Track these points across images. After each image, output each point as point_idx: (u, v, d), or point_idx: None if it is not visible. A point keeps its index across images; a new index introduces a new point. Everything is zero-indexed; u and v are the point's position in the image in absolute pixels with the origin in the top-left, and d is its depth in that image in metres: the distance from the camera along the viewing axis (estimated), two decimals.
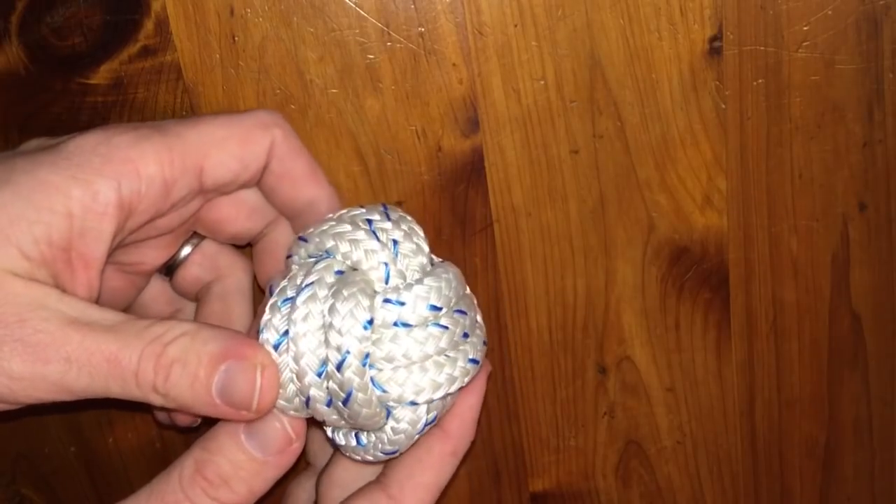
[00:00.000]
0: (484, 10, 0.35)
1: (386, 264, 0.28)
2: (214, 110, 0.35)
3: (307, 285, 0.28)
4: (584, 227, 0.38)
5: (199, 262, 0.34)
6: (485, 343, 0.30)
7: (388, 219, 0.29)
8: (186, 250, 0.33)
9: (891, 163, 0.38)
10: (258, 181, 0.31)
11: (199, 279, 0.34)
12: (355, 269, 0.28)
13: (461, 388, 0.29)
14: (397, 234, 0.29)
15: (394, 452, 0.29)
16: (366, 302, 0.27)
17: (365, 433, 0.29)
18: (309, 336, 0.27)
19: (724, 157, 0.37)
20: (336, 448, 0.31)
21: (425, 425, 0.29)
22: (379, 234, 0.28)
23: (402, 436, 0.29)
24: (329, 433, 0.30)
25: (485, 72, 0.35)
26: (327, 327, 0.27)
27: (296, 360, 0.27)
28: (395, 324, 0.28)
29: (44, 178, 0.26)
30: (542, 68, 0.36)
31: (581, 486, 0.43)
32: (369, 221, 0.29)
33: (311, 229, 0.29)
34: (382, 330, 0.28)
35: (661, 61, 0.36)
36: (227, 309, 0.34)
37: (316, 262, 0.28)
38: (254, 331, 0.29)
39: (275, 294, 0.28)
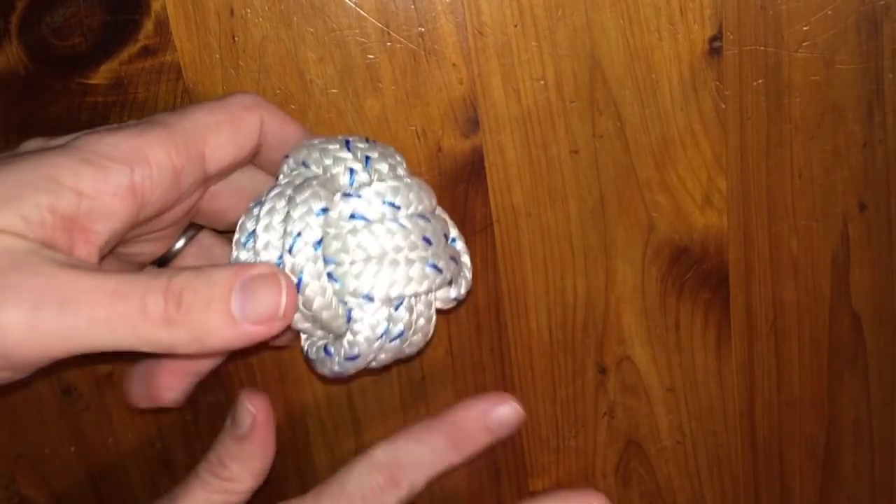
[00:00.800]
0: (484, 10, 0.35)
1: (352, 170, 0.29)
2: None
3: (276, 185, 0.29)
4: (584, 227, 0.38)
5: (195, 253, 0.34)
6: (454, 262, 0.31)
7: (367, 142, 0.30)
8: (181, 242, 0.34)
9: (891, 163, 0.38)
10: (253, 158, 0.32)
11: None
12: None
13: (425, 296, 0.30)
14: (373, 153, 0.30)
15: (355, 357, 0.29)
16: (323, 193, 0.28)
17: (333, 343, 0.30)
18: (270, 229, 0.28)
19: (724, 157, 0.37)
20: (309, 364, 0.31)
21: (385, 333, 0.29)
22: (353, 148, 0.30)
23: (362, 338, 0.29)
24: (303, 345, 0.31)
25: (485, 72, 0.35)
26: (286, 219, 0.28)
27: (257, 253, 0.28)
28: (352, 216, 0.28)
29: (54, 160, 0.25)
30: (542, 68, 0.36)
31: (581, 486, 0.43)
32: (348, 140, 0.30)
33: (296, 148, 0.31)
34: (341, 223, 0.28)
35: (661, 61, 0.36)
36: None
37: (292, 172, 0.30)
38: None
39: (252, 202, 0.29)
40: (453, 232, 0.33)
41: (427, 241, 0.29)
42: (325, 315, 0.28)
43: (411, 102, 0.36)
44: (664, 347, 0.40)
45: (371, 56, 0.35)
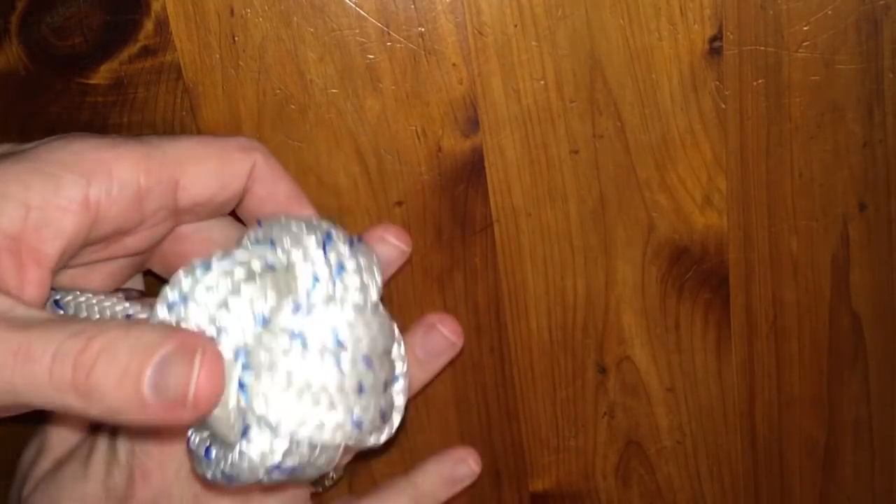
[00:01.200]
0: (484, 10, 0.35)
1: (317, 278, 0.25)
2: (214, 110, 0.35)
3: (229, 255, 0.25)
4: (584, 227, 0.38)
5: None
6: (382, 415, 0.27)
7: (352, 244, 0.27)
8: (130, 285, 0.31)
9: (891, 163, 0.38)
10: (237, 205, 0.30)
11: None
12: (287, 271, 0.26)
13: (329, 458, 0.26)
14: (349, 263, 0.26)
15: (231, 479, 0.25)
16: (272, 296, 0.25)
17: (215, 447, 0.26)
18: (202, 306, 0.24)
19: (724, 157, 0.37)
20: (189, 454, 0.27)
21: (276, 465, 0.25)
22: (330, 249, 0.26)
23: (246, 464, 0.25)
24: (189, 434, 0.27)
25: (485, 72, 0.35)
26: (222, 306, 0.24)
27: (179, 320, 0.24)
28: (293, 334, 0.25)
29: (5, 170, 0.24)
30: (542, 68, 0.36)
31: (581, 486, 0.43)
32: (330, 233, 0.27)
33: (271, 219, 0.27)
34: (278, 335, 0.24)
35: (661, 61, 0.36)
36: None
37: (253, 245, 0.27)
38: None
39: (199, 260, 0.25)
40: (399, 367, 0.29)
41: (361, 389, 0.25)
42: (217, 424, 0.25)
43: (411, 102, 0.36)
44: (664, 347, 0.40)
45: (371, 56, 0.35)
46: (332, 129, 0.36)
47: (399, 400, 0.29)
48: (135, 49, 0.34)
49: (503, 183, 0.37)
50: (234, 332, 0.24)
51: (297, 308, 0.25)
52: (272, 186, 0.29)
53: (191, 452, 0.26)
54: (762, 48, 0.36)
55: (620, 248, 0.38)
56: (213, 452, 0.25)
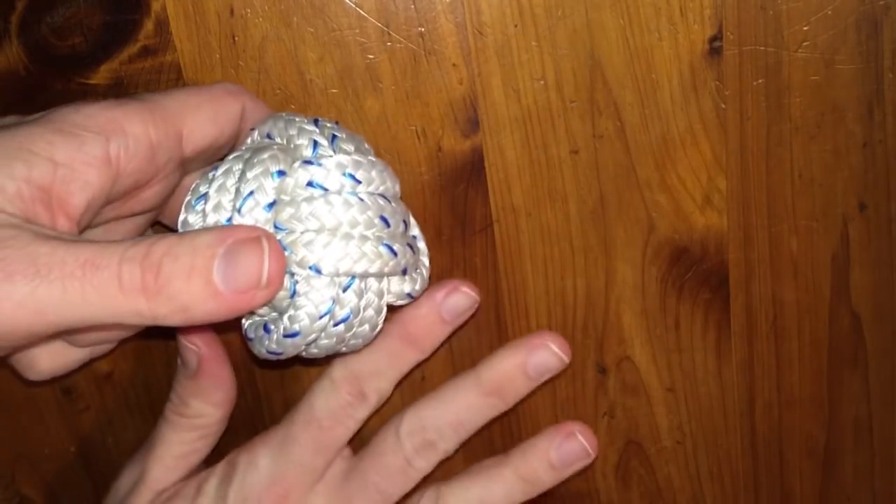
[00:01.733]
0: (484, 10, 0.35)
1: (316, 143, 0.28)
2: None
3: (235, 151, 0.29)
4: (584, 227, 0.38)
5: None
6: (411, 251, 0.30)
7: (338, 125, 0.30)
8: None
9: (891, 163, 0.38)
10: (233, 146, 0.32)
11: None
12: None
13: (377, 284, 0.29)
14: (341, 133, 0.29)
15: (295, 335, 0.28)
16: (282, 157, 0.27)
17: (273, 321, 0.28)
18: (222, 190, 0.27)
19: (724, 157, 0.37)
20: (247, 344, 0.30)
21: (328, 313, 0.27)
22: (321, 125, 0.29)
23: (305, 314, 0.27)
24: (243, 322, 0.30)
25: (485, 72, 0.35)
26: (240, 179, 0.27)
27: (205, 215, 0.27)
28: (310, 184, 0.27)
29: (27, 131, 0.25)
30: (542, 68, 0.36)
31: (581, 486, 0.43)
32: (317, 119, 0.29)
33: (261, 121, 0.30)
34: (297, 190, 0.27)
35: (661, 61, 0.36)
36: None
37: (258, 136, 0.30)
38: None
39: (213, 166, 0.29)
40: (415, 230, 0.32)
41: (385, 221, 0.28)
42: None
43: (411, 102, 0.36)
44: (664, 347, 0.40)
45: (371, 56, 0.35)
46: None
47: (424, 257, 0.32)
48: (135, 49, 0.34)
49: (503, 183, 0.37)
50: (258, 193, 0.27)
51: (305, 163, 0.28)
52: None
53: (249, 339, 0.30)
54: (762, 48, 0.36)
55: (620, 248, 0.38)
56: (272, 325, 0.28)
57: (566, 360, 0.36)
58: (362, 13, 0.34)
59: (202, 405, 0.33)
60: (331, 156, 0.28)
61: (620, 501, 0.43)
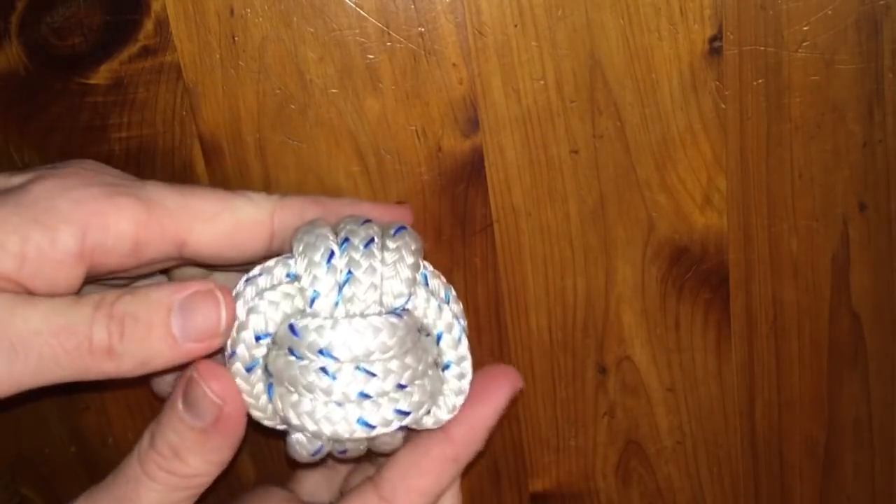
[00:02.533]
0: (484, 10, 0.35)
1: (316, 294, 0.27)
2: (214, 110, 0.35)
3: (260, 274, 0.28)
4: (584, 227, 0.38)
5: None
6: (429, 394, 0.29)
7: (368, 245, 0.28)
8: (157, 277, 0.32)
9: (891, 163, 0.38)
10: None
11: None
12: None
13: (360, 446, 0.28)
14: (359, 265, 0.27)
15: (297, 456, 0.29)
16: (273, 315, 0.27)
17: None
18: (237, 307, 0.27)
19: (724, 157, 0.37)
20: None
21: (316, 452, 0.28)
22: (336, 260, 0.27)
23: (295, 449, 0.28)
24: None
25: (485, 72, 0.35)
26: (250, 310, 0.27)
27: (237, 329, 0.27)
28: (291, 352, 0.27)
29: (3, 218, 0.24)
30: (542, 68, 0.36)
31: (581, 486, 0.43)
32: (345, 241, 0.28)
33: (304, 226, 0.28)
34: (282, 350, 0.27)
35: (661, 61, 0.36)
36: None
37: (284, 257, 0.28)
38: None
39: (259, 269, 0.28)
40: (449, 353, 0.29)
41: (401, 387, 0.27)
42: (264, 423, 0.28)
43: (411, 102, 0.36)
44: (664, 347, 0.40)
45: (371, 56, 0.35)
46: (332, 129, 0.36)
47: (456, 380, 0.29)
48: (135, 49, 0.34)
49: (503, 183, 0.37)
50: (257, 322, 0.27)
51: (297, 321, 0.27)
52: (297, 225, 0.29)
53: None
54: (762, 48, 0.36)
55: (620, 247, 0.38)
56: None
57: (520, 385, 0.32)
58: (362, 13, 0.34)
59: (203, 463, 0.27)
60: (319, 323, 0.27)
61: (620, 501, 0.43)
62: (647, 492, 0.43)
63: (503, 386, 0.29)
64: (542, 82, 0.36)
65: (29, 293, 0.25)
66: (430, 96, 0.36)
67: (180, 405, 0.26)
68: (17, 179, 0.26)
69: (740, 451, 0.42)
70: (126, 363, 0.24)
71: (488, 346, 0.39)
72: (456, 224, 0.38)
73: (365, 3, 0.34)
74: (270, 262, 0.28)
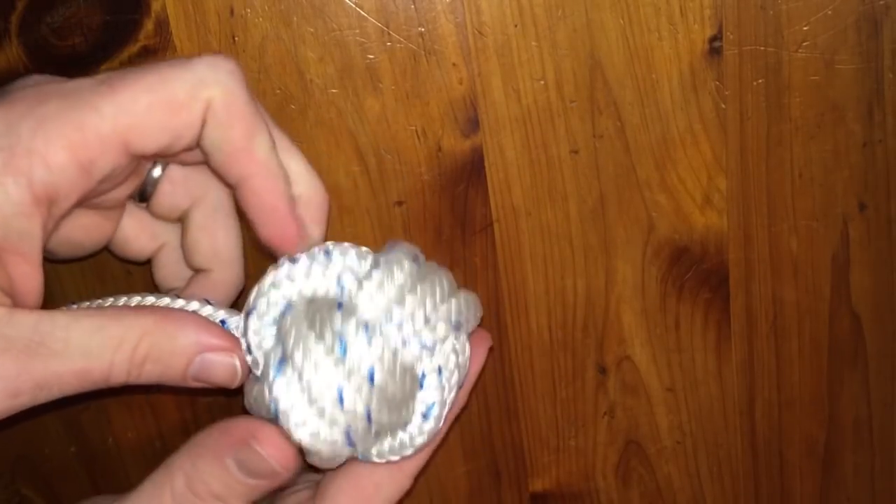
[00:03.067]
0: (484, 10, 0.35)
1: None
2: None
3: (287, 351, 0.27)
4: (584, 227, 0.38)
5: (169, 190, 0.31)
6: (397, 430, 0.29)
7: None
8: (157, 172, 0.31)
9: (891, 163, 0.38)
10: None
11: (175, 206, 0.32)
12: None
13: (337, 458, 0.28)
14: (350, 339, 0.27)
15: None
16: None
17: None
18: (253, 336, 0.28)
19: (724, 157, 0.37)
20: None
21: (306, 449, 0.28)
22: (322, 336, 0.27)
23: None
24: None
25: (485, 72, 0.35)
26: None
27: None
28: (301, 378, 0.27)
29: None
30: (542, 68, 0.36)
31: (581, 486, 0.43)
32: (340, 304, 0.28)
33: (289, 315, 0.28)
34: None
35: (661, 61, 0.36)
36: (211, 234, 0.32)
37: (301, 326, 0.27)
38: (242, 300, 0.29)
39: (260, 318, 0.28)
40: (431, 393, 0.29)
41: (348, 437, 0.27)
42: (257, 410, 0.29)
43: (411, 102, 0.36)
44: (664, 347, 0.40)
45: (371, 56, 0.35)
46: (332, 128, 0.36)
47: (420, 423, 0.29)
48: (135, 49, 0.34)
49: (503, 183, 0.37)
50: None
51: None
52: (224, 132, 0.27)
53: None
54: (762, 48, 0.36)
55: (620, 247, 0.38)
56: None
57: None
58: (362, 13, 0.34)
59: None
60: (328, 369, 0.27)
61: (620, 501, 0.43)
62: (647, 492, 0.43)
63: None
64: (542, 82, 0.36)
65: (13, 253, 0.24)
66: (430, 96, 0.36)
67: (231, 464, 0.26)
68: None
69: (740, 451, 0.43)
70: (142, 381, 0.26)
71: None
72: (456, 224, 0.38)
73: (365, 3, 0.34)
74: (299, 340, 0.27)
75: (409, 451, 0.29)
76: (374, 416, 0.27)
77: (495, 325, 0.39)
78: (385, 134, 0.36)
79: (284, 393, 0.27)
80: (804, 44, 0.36)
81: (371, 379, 0.27)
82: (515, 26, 0.35)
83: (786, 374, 0.41)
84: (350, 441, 0.27)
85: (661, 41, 0.35)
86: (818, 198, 0.38)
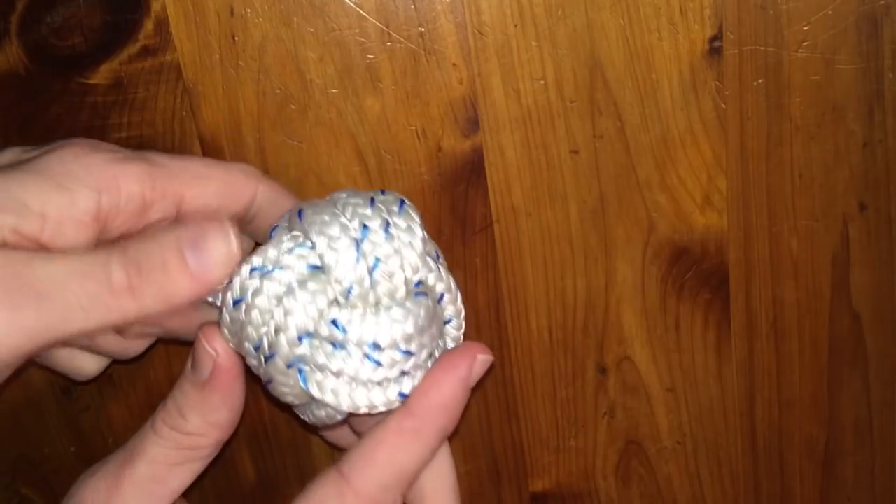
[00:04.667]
0: (484, 10, 0.35)
1: (350, 288, 0.28)
2: (214, 110, 0.35)
3: (276, 268, 0.28)
4: (584, 227, 0.38)
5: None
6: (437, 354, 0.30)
7: (387, 229, 0.29)
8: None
9: (891, 163, 0.38)
10: (245, 228, 0.31)
11: None
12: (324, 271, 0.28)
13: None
14: (383, 250, 0.28)
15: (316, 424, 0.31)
16: (320, 299, 0.28)
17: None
18: (258, 313, 0.28)
19: (724, 157, 0.37)
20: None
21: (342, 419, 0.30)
22: (363, 246, 0.28)
23: (322, 417, 0.30)
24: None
25: (485, 72, 0.35)
26: (275, 316, 0.28)
27: (243, 325, 0.28)
28: (334, 345, 0.28)
29: (24, 180, 0.25)
30: (542, 68, 0.36)
31: (581, 486, 0.43)
32: (365, 227, 0.29)
33: (310, 211, 0.29)
34: (323, 340, 0.28)
35: (661, 61, 0.36)
36: None
37: (296, 247, 0.29)
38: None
39: (256, 253, 0.29)
40: (453, 327, 0.32)
41: (403, 373, 0.29)
42: (290, 399, 0.30)
43: (411, 102, 0.36)
44: (664, 347, 0.40)
45: (371, 56, 0.35)
46: (332, 129, 0.36)
47: (451, 334, 0.32)
48: (135, 49, 0.34)
49: (503, 183, 0.37)
50: (298, 322, 0.28)
51: (332, 322, 0.28)
52: (278, 206, 0.31)
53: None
54: (762, 48, 0.36)
55: (620, 248, 0.38)
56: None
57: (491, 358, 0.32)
58: (362, 13, 0.34)
59: (202, 423, 0.29)
60: (361, 314, 0.28)
61: (620, 501, 0.43)
62: (647, 492, 0.43)
63: (466, 358, 0.30)
64: (542, 82, 0.36)
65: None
66: (430, 96, 0.36)
67: (188, 365, 0.29)
68: (28, 154, 0.28)
69: (740, 451, 0.43)
70: (148, 300, 0.26)
71: (488, 346, 0.39)
72: (456, 224, 0.38)
73: (365, 3, 0.34)
74: (274, 253, 0.28)
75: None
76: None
77: (495, 324, 0.39)
78: (385, 134, 0.36)
79: (321, 381, 0.28)
80: (804, 44, 0.36)
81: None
82: (515, 26, 0.35)
83: (786, 374, 0.41)
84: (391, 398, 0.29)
85: (662, 41, 0.35)
86: (818, 198, 0.38)
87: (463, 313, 0.31)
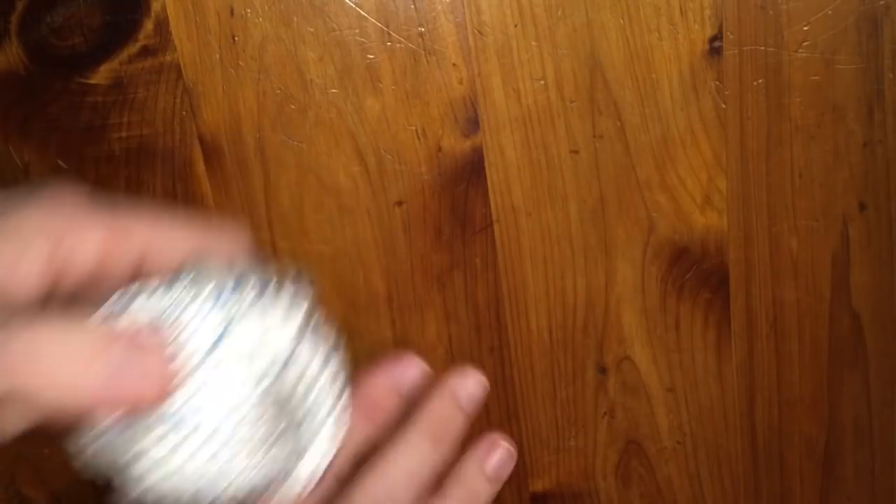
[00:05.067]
0: (484, 10, 0.35)
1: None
2: (214, 110, 0.35)
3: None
4: (584, 227, 0.38)
5: None
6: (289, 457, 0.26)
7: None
8: None
9: (891, 163, 0.38)
10: None
11: None
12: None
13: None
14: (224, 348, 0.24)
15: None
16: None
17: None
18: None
19: (724, 157, 0.37)
20: None
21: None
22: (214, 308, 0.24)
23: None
24: None
25: (485, 72, 0.35)
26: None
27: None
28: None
29: None
30: (542, 68, 0.36)
31: (581, 486, 0.43)
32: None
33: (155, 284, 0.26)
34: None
35: (661, 61, 0.36)
36: None
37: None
38: None
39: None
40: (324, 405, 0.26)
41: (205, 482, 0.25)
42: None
43: (411, 102, 0.36)
44: (664, 347, 0.40)
45: (371, 56, 0.35)
46: (332, 129, 0.36)
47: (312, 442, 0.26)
48: (135, 49, 0.34)
49: (503, 183, 0.37)
50: None
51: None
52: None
53: None
54: (762, 48, 0.36)
55: (620, 248, 0.38)
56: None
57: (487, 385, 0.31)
58: (362, 13, 0.34)
59: None
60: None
61: (620, 501, 0.43)
62: (647, 492, 0.43)
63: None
64: (542, 82, 0.36)
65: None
66: (430, 96, 0.36)
67: None
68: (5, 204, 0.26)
69: (740, 451, 0.42)
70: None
71: (488, 346, 0.39)
72: (456, 224, 0.38)
73: (365, 3, 0.34)
74: (128, 300, 0.25)
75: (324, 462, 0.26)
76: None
77: (495, 325, 0.39)
78: (385, 134, 0.36)
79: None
80: (804, 44, 0.36)
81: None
82: (515, 26, 0.35)
83: (786, 374, 0.41)
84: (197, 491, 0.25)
85: (662, 41, 0.35)
86: (818, 198, 0.38)
87: (347, 414, 0.26)
